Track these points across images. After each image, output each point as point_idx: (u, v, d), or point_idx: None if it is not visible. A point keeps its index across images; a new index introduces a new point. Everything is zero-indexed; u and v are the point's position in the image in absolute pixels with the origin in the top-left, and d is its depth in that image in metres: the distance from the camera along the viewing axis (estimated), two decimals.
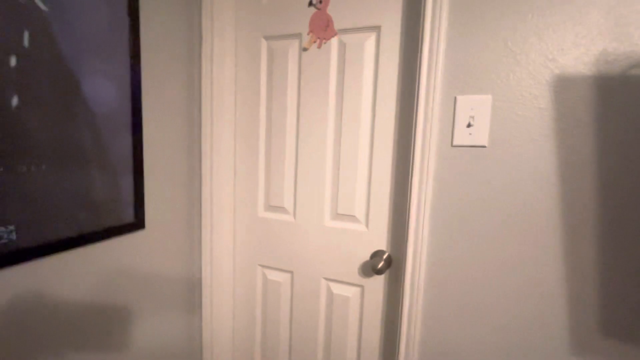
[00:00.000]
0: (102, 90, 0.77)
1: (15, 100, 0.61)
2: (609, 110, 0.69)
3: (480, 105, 0.78)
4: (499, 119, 0.77)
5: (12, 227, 0.63)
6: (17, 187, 0.63)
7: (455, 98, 0.80)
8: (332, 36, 0.98)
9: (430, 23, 0.80)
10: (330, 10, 0.97)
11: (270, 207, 1.13)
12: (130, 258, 0.90)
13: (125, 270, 0.89)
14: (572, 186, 0.73)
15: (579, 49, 0.70)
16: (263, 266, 1.17)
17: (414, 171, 0.85)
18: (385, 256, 0.97)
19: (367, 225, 1.01)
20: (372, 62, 0.95)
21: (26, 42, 0.61)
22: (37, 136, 0.65)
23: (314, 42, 1.00)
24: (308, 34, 1.01)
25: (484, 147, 0.79)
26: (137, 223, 0.90)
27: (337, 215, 1.04)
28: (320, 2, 0.98)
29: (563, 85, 0.72)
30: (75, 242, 0.75)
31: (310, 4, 0.99)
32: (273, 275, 1.15)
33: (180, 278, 1.08)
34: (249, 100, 1.11)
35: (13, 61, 0.59)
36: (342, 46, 0.98)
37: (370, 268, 1.01)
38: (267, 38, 1.07)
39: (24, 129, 0.63)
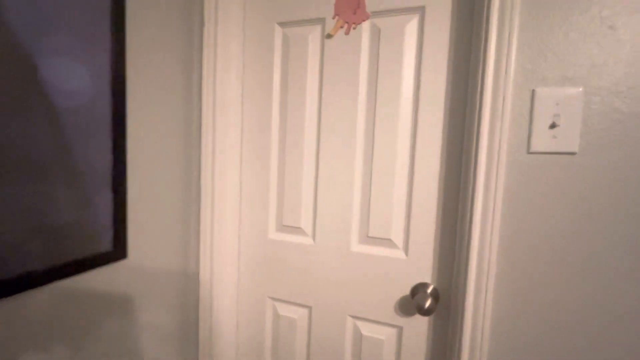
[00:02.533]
0: (70, 77, 0.58)
1: None
2: None
3: (569, 101, 0.60)
4: (594, 118, 0.59)
5: None
6: None
7: (533, 92, 0.62)
8: (364, 20, 0.80)
9: None
10: None
11: (283, 228, 0.93)
12: (107, 299, 0.69)
13: (99, 316, 0.68)
14: None
15: None
16: (274, 299, 0.96)
17: (476, 185, 0.66)
18: (430, 290, 0.78)
19: (406, 251, 0.81)
20: (414, 50, 0.77)
21: None
22: None
23: (341, 27, 0.82)
24: (333, 18, 0.83)
25: (573, 153, 0.60)
26: (117, 252, 0.70)
27: (368, 239, 0.84)
28: None
29: None
30: (31, 280, 0.54)
31: None
32: (286, 311, 0.95)
33: (172, 321, 0.87)
34: (259, 96, 0.92)
35: None
36: (376, 31, 0.80)
37: (413, 306, 0.81)
38: (282, 25, 0.89)
39: None
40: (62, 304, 0.61)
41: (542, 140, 0.62)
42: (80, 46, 0.59)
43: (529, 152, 0.63)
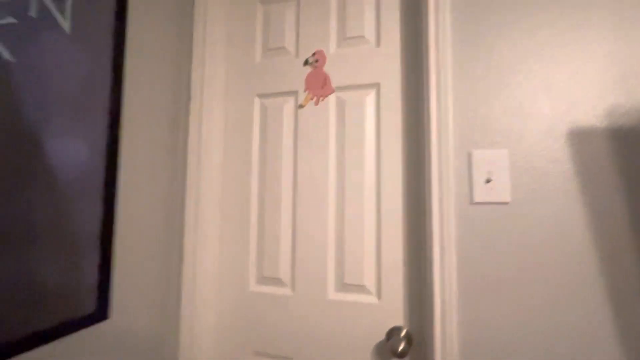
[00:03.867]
0: (71, 153, 0.65)
1: None
2: (630, 158, 0.66)
3: (498, 160, 0.73)
4: (519, 174, 0.72)
5: None
6: None
7: (470, 153, 0.76)
8: (330, 93, 0.95)
9: (436, 79, 0.79)
10: (327, 68, 0.96)
11: (263, 279, 0.97)
12: (89, 357, 0.69)
13: None
14: (601, 239, 0.66)
15: (590, 102, 0.70)
16: (259, 353, 0.96)
17: (433, 232, 0.76)
18: (403, 334, 0.83)
19: (378, 295, 0.87)
20: (374, 117, 0.91)
21: None
22: None
23: (311, 99, 0.96)
24: (304, 91, 0.97)
25: (506, 203, 0.72)
26: (99, 313, 0.71)
27: (344, 286, 0.90)
28: (317, 60, 0.96)
29: (580, 138, 0.69)
30: (13, 348, 0.56)
31: (306, 63, 0.97)
32: None
33: None
34: (239, 158, 1.02)
35: None
36: (341, 102, 0.94)
37: (388, 351, 0.85)
38: (260, 96, 1.02)
39: None
40: None
41: (482, 193, 0.74)
42: (81, 126, 0.67)
43: (471, 203, 0.75)
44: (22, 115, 0.57)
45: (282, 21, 1.01)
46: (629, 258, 0.65)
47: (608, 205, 0.67)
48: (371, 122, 0.91)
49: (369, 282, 0.88)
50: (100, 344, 0.72)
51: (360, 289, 0.89)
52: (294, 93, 0.99)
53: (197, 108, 0.97)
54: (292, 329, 0.93)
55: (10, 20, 0.55)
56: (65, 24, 0.64)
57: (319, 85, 0.96)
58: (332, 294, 0.91)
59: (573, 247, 0.68)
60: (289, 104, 0.99)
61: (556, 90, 0.72)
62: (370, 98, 0.92)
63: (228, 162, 1.03)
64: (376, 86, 0.92)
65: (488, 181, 0.73)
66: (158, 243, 0.89)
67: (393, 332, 0.84)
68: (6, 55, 0.54)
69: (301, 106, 0.97)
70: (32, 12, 0.58)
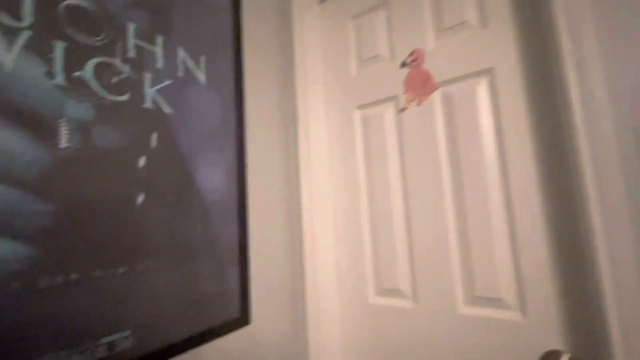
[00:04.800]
0: (213, 180, 0.78)
1: (140, 198, 0.62)
2: None
3: None
4: None
5: (127, 333, 0.59)
6: (135, 288, 0.61)
7: (636, 130, 0.59)
8: (434, 90, 0.89)
9: (570, 43, 0.65)
10: (427, 65, 0.90)
11: (382, 291, 0.95)
12: (237, 358, 0.79)
13: None
14: None
15: None
16: None
17: (595, 230, 0.61)
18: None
19: (522, 311, 0.74)
20: (489, 107, 0.81)
21: (153, 143, 0.65)
22: (156, 232, 0.65)
23: (412, 100, 0.92)
24: (404, 94, 0.94)
25: None
26: (243, 318, 0.81)
27: (475, 299, 0.80)
28: (415, 60, 0.92)
29: None
30: (184, 345, 0.68)
31: (404, 64, 0.94)
32: None
33: None
34: (346, 171, 1.04)
35: (142, 161, 0.63)
36: (448, 97, 0.87)
37: None
38: (360, 107, 1.03)
39: (146, 226, 0.63)
40: None
41: None
42: (217, 157, 0.80)
43: None
44: (179, 154, 0.71)
45: (373, 29, 1.02)
46: None
47: None
48: (486, 112, 0.81)
49: (508, 294, 0.76)
50: (245, 348, 0.82)
51: (497, 302, 0.77)
52: (394, 98, 0.97)
53: (303, 129, 1.05)
54: (416, 344, 0.87)
55: (167, 82, 0.70)
56: (202, 77, 0.78)
57: (419, 84, 0.91)
58: (462, 308, 0.82)
59: None
60: (389, 110, 0.97)
61: None
62: (482, 86, 0.82)
63: (336, 176, 1.07)
64: (488, 72, 0.82)
65: None
66: (282, 255, 0.97)
67: (549, 357, 0.70)
68: (167, 109, 0.69)
69: (403, 109, 0.94)
70: (180, 73, 0.73)
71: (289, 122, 1.07)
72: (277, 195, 0.99)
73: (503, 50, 0.80)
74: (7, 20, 0.49)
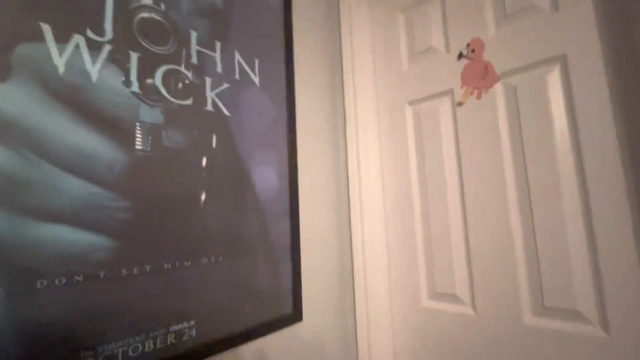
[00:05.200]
0: (267, 178, 0.80)
1: (203, 196, 0.66)
2: None
3: None
4: None
5: (192, 322, 0.63)
6: (199, 281, 0.65)
7: None
8: (496, 82, 0.83)
9: None
10: (487, 56, 0.84)
11: (436, 295, 0.91)
12: (288, 355, 0.81)
13: None
14: None
15: None
16: None
17: None
18: None
19: (604, 327, 0.66)
20: (562, 98, 0.73)
21: (214, 144, 0.68)
22: (217, 228, 0.68)
23: (471, 93, 0.86)
24: (461, 88, 0.88)
25: None
26: (296, 315, 0.83)
27: (545, 309, 0.73)
28: (473, 50, 0.86)
29: None
30: (241, 338, 0.71)
31: (461, 56, 0.89)
32: None
33: None
34: (397, 169, 1.01)
35: (204, 161, 0.66)
36: (511, 90, 0.80)
37: None
38: (411, 103, 1.00)
39: (208, 222, 0.67)
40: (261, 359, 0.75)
41: None
42: (270, 156, 0.82)
43: None
44: (237, 153, 0.74)
45: (426, 20, 0.97)
46: None
47: None
48: (559, 104, 0.73)
49: (585, 307, 0.68)
50: (297, 343, 0.83)
51: (572, 315, 0.70)
52: (449, 92, 0.92)
53: (353, 128, 1.04)
54: (474, 351, 0.82)
55: (226, 85, 0.74)
56: (256, 79, 0.81)
57: (479, 76, 0.85)
58: (530, 319, 0.75)
59: None
60: (445, 105, 0.92)
61: None
62: (553, 76, 0.75)
63: (386, 175, 1.04)
64: (560, 59, 0.74)
65: None
66: (332, 255, 0.97)
67: None
68: (225, 111, 0.72)
69: (460, 104, 0.88)
70: (237, 76, 0.76)
71: (339, 121, 1.07)
72: (327, 196, 0.99)
73: (578, 35, 0.71)
74: (92, 35, 0.55)
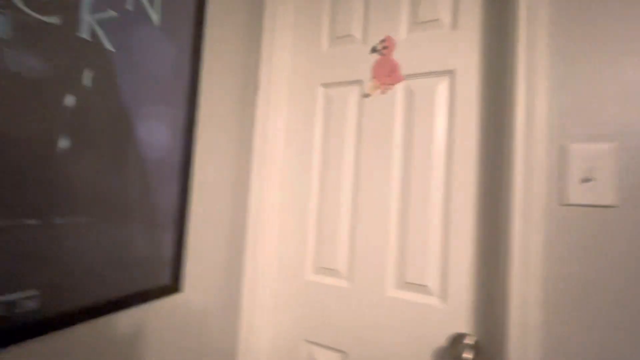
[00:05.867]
0: (156, 134, 0.71)
1: (64, 142, 0.54)
2: None
3: (602, 156, 0.63)
4: (628, 174, 0.61)
5: (33, 292, 0.52)
6: (49, 244, 0.53)
7: (563, 147, 0.66)
8: (398, 82, 0.90)
9: (525, 59, 0.70)
10: (396, 55, 0.91)
11: (321, 269, 0.97)
12: (162, 326, 0.76)
13: (156, 341, 0.74)
14: None
15: None
16: (310, 342, 0.97)
17: (512, 234, 0.68)
18: (469, 341, 0.76)
19: (443, 299, 0.82)
20: (446, 108, 0.85)
21: (87, 82, 0.56)
22: (82, 184, 0.57)
23: (378, 88, 0.93)
24: (371, 80, 0.94)
25: (611, 207, 0.62)
26: (174, 285, 0.77)
27: (405, 284, 0.86)
28: (385, 47, 0.92)
29: None
30: (105, 308, 0.63)
31: (374, 50, 0.94)
32: (321, 355, 0.95)
33: (216, 350, 0.91)
34: (302, 146, 1.03)
35: (70, 100, 0.54)
36: (409, 92, 0.89)
37: (450, 357, 0.79)
38: (325, 85, 1.01)
39: (69, 175, 0.55)
40: (128, 330, 0.68)
41: (577, 193, 0.64)
42: (164, 109, 0.72)
43: (562, 204, 0.65)
44: (119, 100, 0.62)
45: (350, 8, 0.99)
46: None
47: None
48: (442, 111, 0.85)
49: (433, 283, 0.83)
50: (173, 315, 0.79)
51: (423, 289, 0.84)
52: (359, 82, 0.96)
53: (265, 97, 1.00)
54: (347, 321, 0.92)
55: (112, 13, 0.60)
56: (155, 17, 0.69)
57: (386, 73, 0.91)
58: (392, 291, 0.87)
59: None
60: (353, 94, 0.97)
61: None
62: (442, 86, 0.85)
63: (290, 151, 1.04)
64: (450, 73, 0.85)
65: (586, 180, 0.63)
66: (224, 225, 0.93)
67: (457, 339, 0.78)
68: (108, 45, 0.60)
69: (366, 95, 0.94)
70: (129, 6, 0.64)
71: (249, 87, 1.01)
72: (227, 164, 0.94)
73: (466, 54, 0.83)
74: None
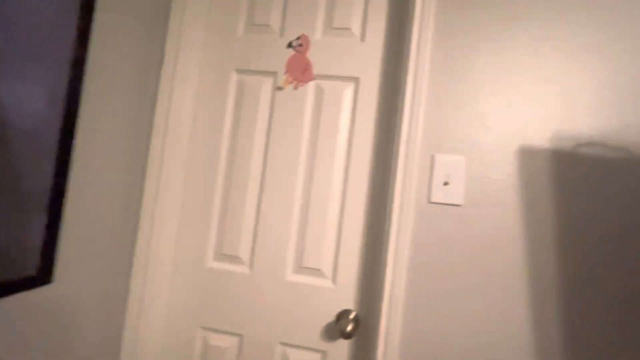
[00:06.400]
0: (26, 99, 0.59)
1: None
2: (564, 180, 0.77)
3: (455, 166, 0.80)
4: (473, 180, 0.80)
5: None
6: None
7: (433, 156, 0.82)
8: (310, 80, 0.96)
9: (412, 82, 0.83)
10: (310, 55, 0.96)
11: (222, 256, 0.97)
12: (26, 321, 0.65)
13: (18, 336, 0.63)
14: (537, 246, 0.77)
15: (539, 125, 0.79)
16: (206, 329, 0.96)
17: (391, 225, 0.81)
18: (352, 316, 0.89)
19: (334, 280, 0.92)
20: (349, 111, 0.94)
21: None
22: None
23: (290, 83, 0.96)
24: (284, 74, 0.97)
25: (459, 205, 0.80)
26: (43, 276, 0.67)
27: (302, 269, 0.93)
28: (301, 45, 0.96)
29: (527, 155, 0.79)
30: None
31: (290, 45, 0.97)
32: (217, 340, 0.96)
33: (93, 344, 0.82)
34: (209, 131, 0.99)
35: None
36: (320, 91, 0.95)
37: (337, 331, 0.90)
38: (238, 71, 0.99)
39: None
40: None
41: (439, 194, 0.81)
42: (39, 70, 0.61)
43: (429, 202, 0.81)
44: None
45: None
46: (551, 261, 0.76)
47: (542, 218, 0.77)
48: (347, 114, 0.94)
49: (326, 267, 0.92)
50: (42, 308, 0.68)
51: (318, 272, 0.93)
52: (273, 74, 0.98)
53: (169, 73, 0.93)
54: (246, 306, 0.95)
55: None
56: None
57: (300, 70, 0.96)
58: (290, 276, 0.94)
59: (512, 252, 0.78)
60: (267, 84, 0.98)
61: (515, 109, 0.80)
62: (348, 91, 0.94)
63: (197, 135, 1.00)
64: (355, 80, 0.94)
65: (446, 184, 0.80)
66: (113, 209, 0.84)
67: (343, 315, 0.90)
68: None
69: (280, 88, 0.97)
70: None
71: (152, 60, 0.92)
72: (120, 138, 0.84)
73: (370, 66, 0.93)
74: None
